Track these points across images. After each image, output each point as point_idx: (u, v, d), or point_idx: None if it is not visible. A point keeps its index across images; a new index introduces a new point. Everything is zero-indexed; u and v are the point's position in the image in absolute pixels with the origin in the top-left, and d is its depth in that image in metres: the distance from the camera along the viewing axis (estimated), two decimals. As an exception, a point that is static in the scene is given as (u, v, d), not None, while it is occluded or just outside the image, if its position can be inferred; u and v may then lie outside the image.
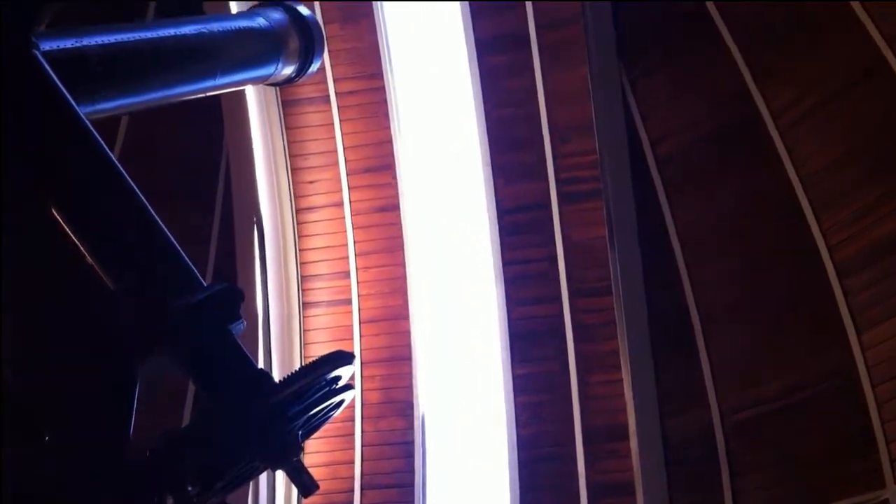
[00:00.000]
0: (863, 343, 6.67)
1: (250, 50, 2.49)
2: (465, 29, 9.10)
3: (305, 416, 1.60)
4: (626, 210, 7.66)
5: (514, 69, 9.01)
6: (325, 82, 9.54)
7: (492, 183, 9.19)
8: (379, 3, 9.48)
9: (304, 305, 9.68)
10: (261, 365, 8.90)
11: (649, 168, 7.62)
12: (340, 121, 9.72)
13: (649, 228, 7.65)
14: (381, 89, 9.66)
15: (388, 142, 9.74)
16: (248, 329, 8.50)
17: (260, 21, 2.49)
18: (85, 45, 1.96)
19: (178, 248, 1.67)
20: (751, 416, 7.33)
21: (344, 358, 1.61)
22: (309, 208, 9.78)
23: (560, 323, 8.83)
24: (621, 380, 7.91)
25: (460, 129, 9.69)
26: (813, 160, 6.90)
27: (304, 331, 9.63)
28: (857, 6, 6.40)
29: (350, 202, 9.76)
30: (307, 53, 2.60)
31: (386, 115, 9.71)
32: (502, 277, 9.13)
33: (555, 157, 8.85)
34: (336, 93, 9.63)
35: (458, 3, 9.10)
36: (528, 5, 8.80)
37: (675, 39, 7.62)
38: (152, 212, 1.68)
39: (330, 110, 9.67)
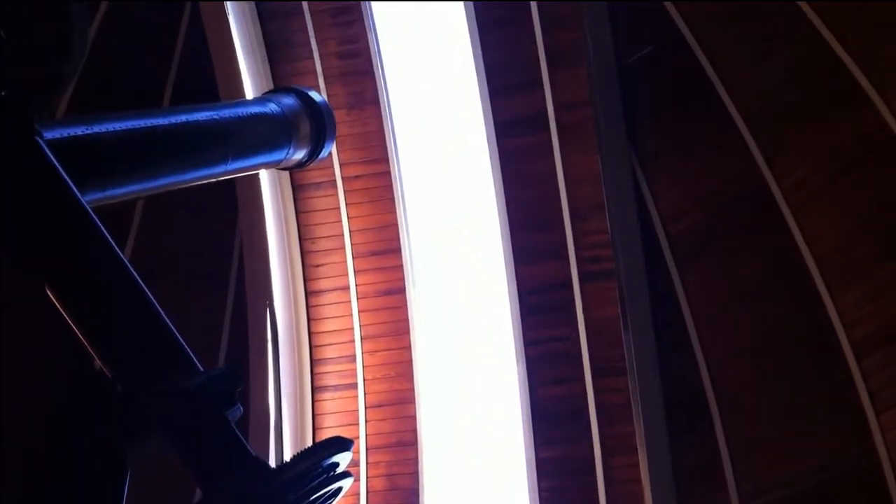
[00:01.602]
0: (882, 424, 6.54)
1: (262, 135, 2.49)
2: (485, 111, 9.18)
3: None
4: (638, 290, 7.62)
5: (533, 150, 9.07)
6: (332, 167, 9.63)
7: (512, 263, 9.16)
8: (384, 89, 9.63)
9: (315, 389, 9.61)
10: (272, 450, 8.81)
11: (661, 247, 7.61)
12: (346, 205, 9.78)
13: (662, 307, 7.58)
14: (386, 174, 9.75)
15: (393, 225, 9.79)
16: (261, 413, 8.35)
17: (272, 107, 2.50)
18: (95, 132, 1.96)
19: (175, 331, 1.66)
20: (769, 500, 7.15)
21: (341, 444, 1.59)
22: (317, 292, 9.77)
23: (583, 404, 8.68)
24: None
25: (471, 209, 9.75)
26: (826, 237, 6.87)
27: (315, 415, 9.53)
28: (864, 82, 6.46)
29: (356, 286, 9.76)
30: (318, 138, 2.60)
31: (391, 200, 9.78)
32: (524, 358, 9.02)
33: (575, 238, 8.84)
34: (342, 177, 9.72)
35: (475, 82, 9.20)
36: (546, 85, 8.89)
37: (683, 118, 7.68)
38: (149, 295, 1.68)
39: (336, 194, 9.74)
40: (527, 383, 8.95)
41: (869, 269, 6.70)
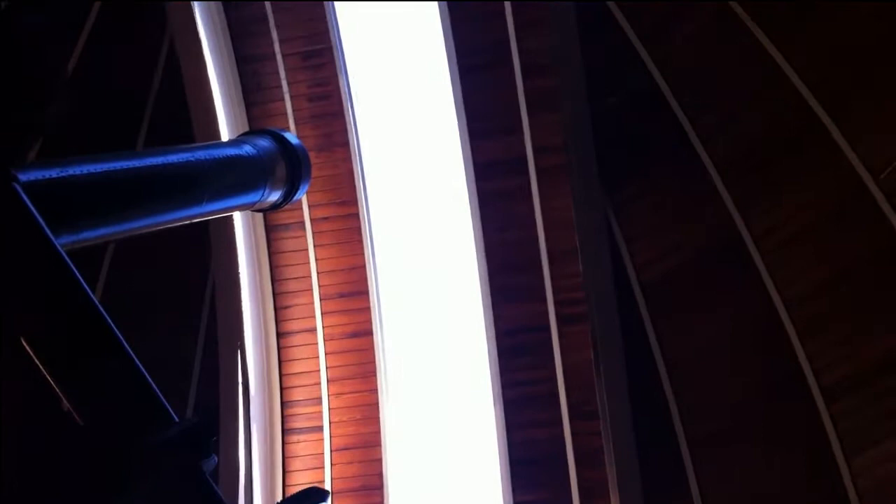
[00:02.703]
0: (852, 469, 6.56)
1: (237, 177, 2.48)
2: (464, 151, 9.20)
3: None
4: (611, 335, 7.61)
5: (512, 193, 9.08)
6: (301, 208, 9.61)
7: (490, 304, 9.12)
8: (354, 132, 9.66)
9: (284, 432, 9.50)
10: (241, 493, 8.67)
11: (634, 293, 7.62)
12: (315, 246, 9.75)
13: (636, 354, 7.57)
14: (354, 216, 9.75)
15: (361, 267, 9.76)
16: (231, 456, 8.16)
17: (247, 149, 2.48)
18: (69, 175, 1.93)
19: (150, 381, 1.62)
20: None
21: (319, 495, 1.58)
22: (285, 333, 9.70)
23: (561, 447, 8.62)
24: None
25: (444, 251, 9.76)
26: (796, 285, 6.92)
27: (285, 458, 9.41)
28: (837, 135, 6.56)
29: (323, 328, 9.70)
30: (294, 180, 2.59)
31: (359, 241, 9.76)
32: (501, 400, 8.96)
33: (553, 280, 8.82)
34: (311, 219, 9.69)
35: (454, 125, 9.22)
36: (525, 129, 8.93)
37: (657, 166, 7.73)
38: (124, 343, 1.64)
39: (305, 236, 9.70)
40: (504, 425, 8.89)
41: (837, 316, 6.75)
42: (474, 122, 9.10)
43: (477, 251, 9.17)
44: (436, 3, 8.91)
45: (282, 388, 9.58)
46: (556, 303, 8.79)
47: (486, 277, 9.12)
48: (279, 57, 9.49)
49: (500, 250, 9.14)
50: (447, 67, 9.05)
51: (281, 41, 9.49)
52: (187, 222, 2.31)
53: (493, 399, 8.99)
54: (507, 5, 8.60)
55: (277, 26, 9.44)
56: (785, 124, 6.89)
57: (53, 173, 1.88)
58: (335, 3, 9.46)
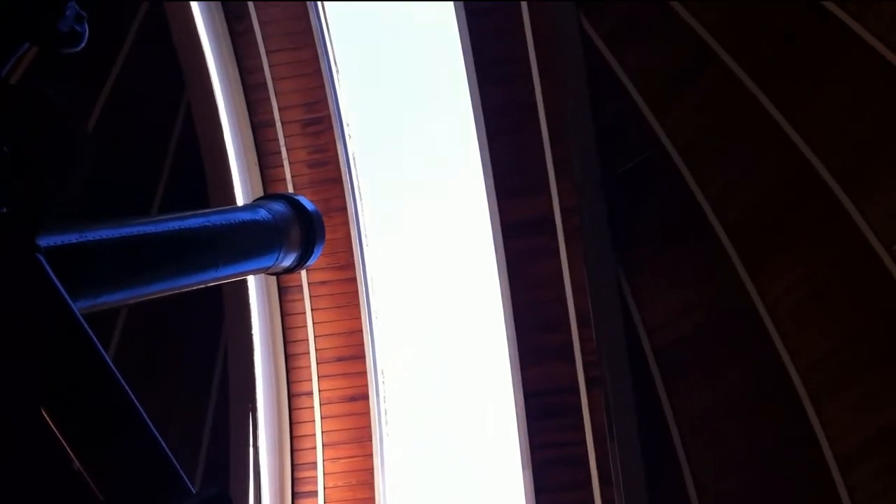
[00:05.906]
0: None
1: (252, 242, 2.48)
2: (491, 213, 9.12)
3: None
4: (624, 399, 7.52)
5: (538, 253, 9.01)
6: (299, 272, 9.62)
7: (518, 366, 9.00)
8: (352, 197, 9.72)
9: (294, 496, 9.40)
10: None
11: (647, 357, 7.57)
12: (312, 310, 9.75)
13: (649, 418, 7.48)
14: (352, 280, 9.77)
15: (358, 331, 9.76)
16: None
17: (262, 213, 2.49)
18: (88, 240, 1.93)
19: (167, 450, 1.60)
20: None
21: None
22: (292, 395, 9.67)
23: None
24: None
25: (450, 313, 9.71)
26: (809, 350, 6.88)
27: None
28: (843, 198, 6.59)
29: (319, 391, 9.66)
30: (308, 244, 2.59)
31: (357, 305, 9.77)
32: (530, 463, 8.79)
33: (581, 341, 8.70)
34: (309, 283, 9.72)
35: (482, 184, 9.17)
36: (553, 189, 8.88)
37: (668, 230, 7.74)
38: (141, 411, 1.62)
39: (303, 300, 9.71)
40: (533, 489, 8.72)
41: (852, 381, 6.69)
42: (502, 182, 9.06)
43: (504, 312, 9.09)
44: (462, 63, 8.96)
45: (292, 451, 9.51)
46: (584, 364, 8.67)
47: (514, 338, 9.00)
48: (279, 124, 9.61)
49: (528, 310, 9.03)
50: (474, 128, 9.03)
51: (280, 109, 9.61)
52: (203, 286, 2.31)
53: (521, 462, 8.82)
54: (534, 68, 8.66)
55: (277, 94, 9.58)
56: (794, 189, 6.92)
57: (73, 238, 1.87)
58: (334, 72, 9.61)
